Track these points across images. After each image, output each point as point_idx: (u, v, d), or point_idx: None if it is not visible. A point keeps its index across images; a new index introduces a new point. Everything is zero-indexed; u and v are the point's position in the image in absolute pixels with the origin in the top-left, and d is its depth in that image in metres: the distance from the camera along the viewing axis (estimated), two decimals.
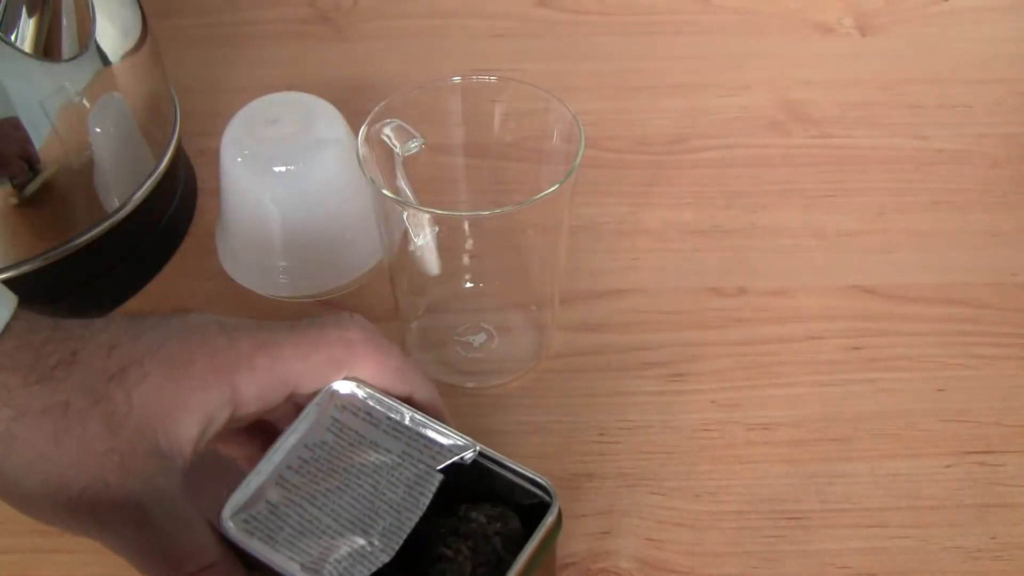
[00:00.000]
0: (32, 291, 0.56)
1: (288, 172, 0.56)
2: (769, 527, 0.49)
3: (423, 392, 0.42)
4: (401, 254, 0.52)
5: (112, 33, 0.56)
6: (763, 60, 0.75)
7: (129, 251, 0.60)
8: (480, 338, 0.56)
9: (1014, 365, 0.56)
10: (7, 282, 0.55)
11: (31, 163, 0.53)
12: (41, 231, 0.55)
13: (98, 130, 0.56)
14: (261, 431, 0.43)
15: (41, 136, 0.53)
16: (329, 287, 0.59)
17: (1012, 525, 0.49)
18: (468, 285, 0.57)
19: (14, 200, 0.53)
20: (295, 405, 0.41)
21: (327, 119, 0.59)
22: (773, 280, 0.60)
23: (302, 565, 0.37)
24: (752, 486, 0.50)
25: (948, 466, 0.51)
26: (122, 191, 0.58)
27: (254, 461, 0.41)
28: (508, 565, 0.38)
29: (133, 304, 0.59)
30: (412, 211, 0.49)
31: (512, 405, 0.53)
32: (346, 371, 0.41)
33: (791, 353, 0.56)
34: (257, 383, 0.39)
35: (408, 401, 0.41)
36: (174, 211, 0.63)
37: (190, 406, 0.38)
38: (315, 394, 0.41)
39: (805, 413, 0.53)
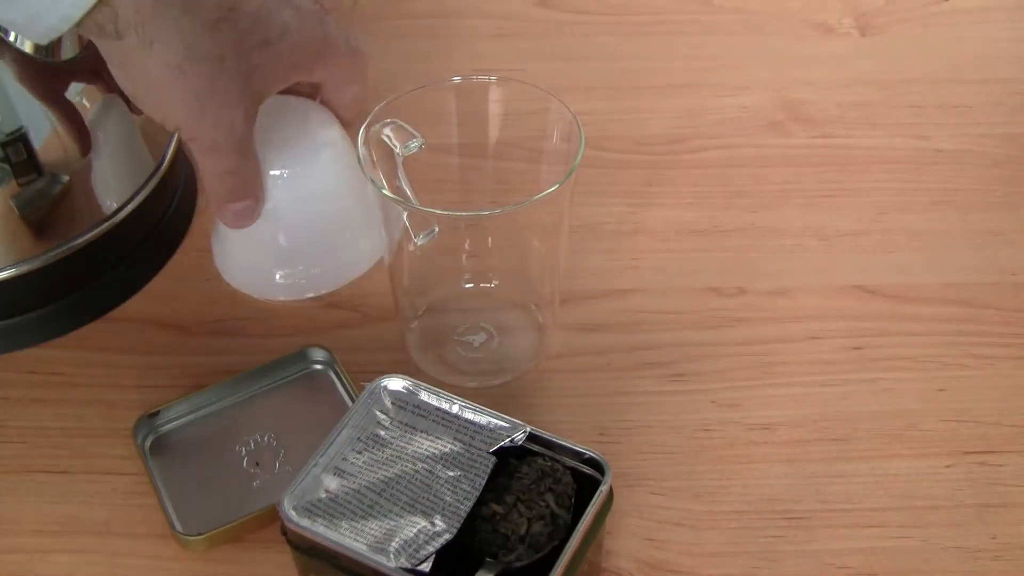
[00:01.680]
0: (32, 291, 0.56)
1: (285, 175, 0.56)
2: (769, 527, 0.49)
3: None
4: (401, 254, 0.52)
5: None
6: (763, 60, 0.75)
7: (129, 251, 0.60)
8: (480, 338, 0.56)
9: (1014, 365, 0.56)
10: (7, 282, 0.55)
11: (32, 163, 0.53)
12: (41, 231, 0.55)
13: (98, 130, 0.56)
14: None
15: (41, 136, 0.53)
16: (329, 288, 0.59)
17: (1012, 525, 0.49)
18: (468, 285, 0.57)
19: (14, 201, 0.53)
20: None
21: (322, 121, 0.58)
22: (773, 280, 0.60)
23: (368, 545, 0.38)
24: (752, 486, 0.50)
25: (948, 466, 0.51)
26: (122, 191, 0.58)
27: None
28: (563, 521, 0.39)
29: (133, 304, 0.59)
30: (412, 211, 0.49)
31: (512, 405, 0.53)
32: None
33: (791, 353, 0.56)
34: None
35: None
36: (174, 211, 0.63)
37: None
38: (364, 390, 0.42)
39: (805, 413, 0.53)
